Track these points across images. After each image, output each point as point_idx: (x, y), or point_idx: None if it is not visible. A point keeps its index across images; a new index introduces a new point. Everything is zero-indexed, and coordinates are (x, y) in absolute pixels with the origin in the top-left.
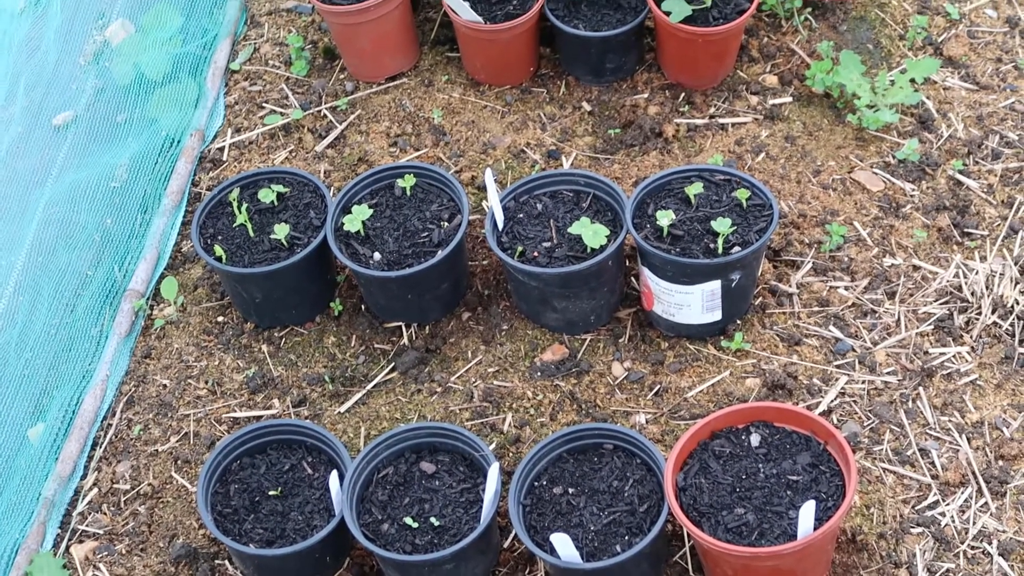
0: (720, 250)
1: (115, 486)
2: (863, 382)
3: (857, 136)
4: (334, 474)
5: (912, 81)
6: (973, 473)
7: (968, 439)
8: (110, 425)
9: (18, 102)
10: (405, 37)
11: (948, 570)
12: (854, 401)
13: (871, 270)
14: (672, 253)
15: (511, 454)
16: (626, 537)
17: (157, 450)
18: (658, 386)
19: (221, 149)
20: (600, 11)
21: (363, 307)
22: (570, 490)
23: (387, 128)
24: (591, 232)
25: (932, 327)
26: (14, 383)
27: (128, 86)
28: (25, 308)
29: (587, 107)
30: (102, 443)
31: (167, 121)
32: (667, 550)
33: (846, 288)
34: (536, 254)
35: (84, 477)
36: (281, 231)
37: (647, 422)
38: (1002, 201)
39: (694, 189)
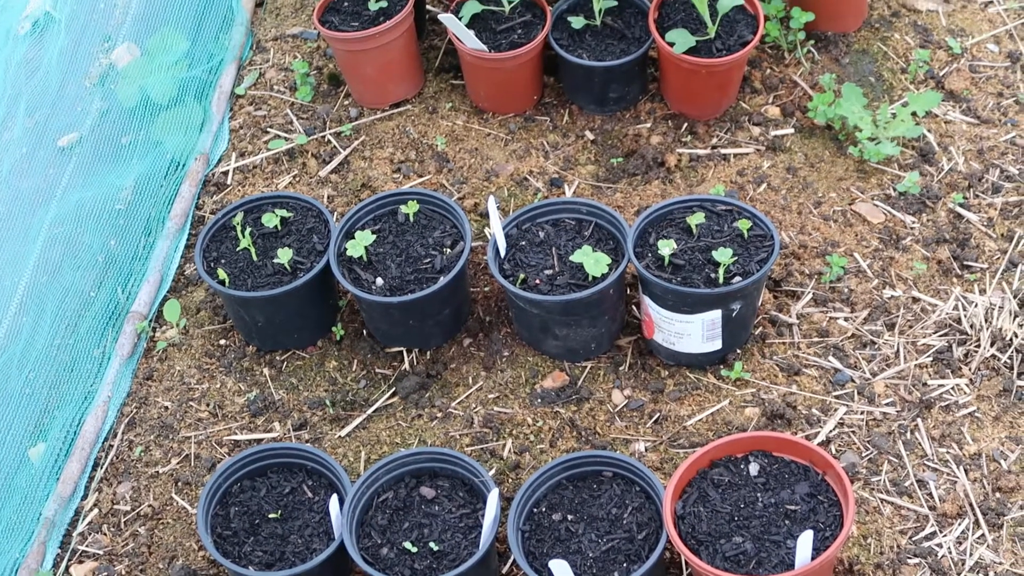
0: (721, 280)
1: (115, 507)
2: (862, 413)
3: (858, 168)
4: (334, 498)
5: (914, 114)
6: (970, 505)
7: (966, 471)
8: (111, 446)
9: (20, 123)
10: (410, 64)
11: None
12: (853, 432)
13: (871, 301)
14: (673, 282)
15: (511, 480)
16: (624, 564)
17: (158, 472)
18: (658, 414)
19: (225, 173)
20: (604, 41)
21: (365, 332)
22: (569, 517)
23: (391, 154)
24: (593, 260)
25: (931, 359)
26: (15, 402)
27: (133, 109)
28: (28, 328)
29: (590, 136)
30: (103, 464)
31: (172, 144)
32: None
33: (846, 319)
34: (538, 282)
35: (85, 497)
36: (284, 256)
37: (646, 450)
38: (1002, 235)
39: (696, 219)
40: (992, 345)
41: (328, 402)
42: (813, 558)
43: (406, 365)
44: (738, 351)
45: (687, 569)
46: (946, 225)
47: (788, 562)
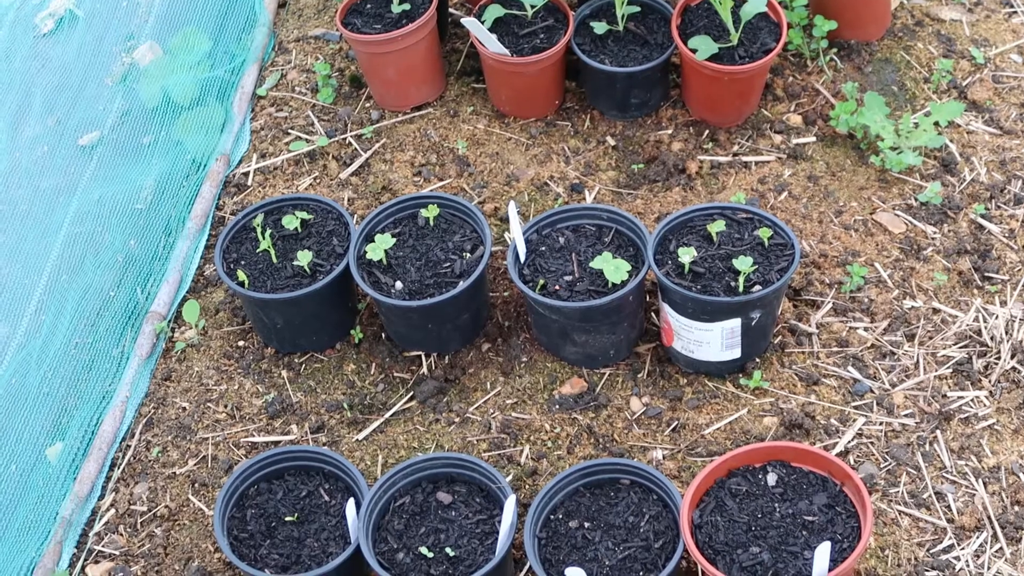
0: (741, 288)
1: (132, 507)
2: (881, 424)
3: (880, 178)
4: (351, 502)
5: (936, 124)
6: (989, 518)
7: (984, 483)
8: (129, 446)
9: (44, 121)
10: (431, 67)
11: None
12: (871, 442)
13: (891, 312)
14: (693, 290)
15: (527, 486)
16: (641, 573)
17: (175, 472)
18: (676, 422)
19: (246, 174)
20: (626, 47)
21: (383, 335)
22: (586, 524)
23: (411, 157)
24: (613, 267)
25: (951, 370)
26: (33, 400)
27: (155, 108)
28: (47, 326)
29: (611, 142)
30: (120, 464)
31: (193, 144)
32: None
33: (865, 329)
34: (557, 287)
35: (102, 497)
36: (304, 258)
37: (664, 458)
38: (1023, 246)
39: (716, 227)
40: (1012, 357)
41: (346, 405)
42: (830, 570)
43: (424, 369)
44: (757, 360)
45: None
46: (967, 236)
47: (805, 573)
